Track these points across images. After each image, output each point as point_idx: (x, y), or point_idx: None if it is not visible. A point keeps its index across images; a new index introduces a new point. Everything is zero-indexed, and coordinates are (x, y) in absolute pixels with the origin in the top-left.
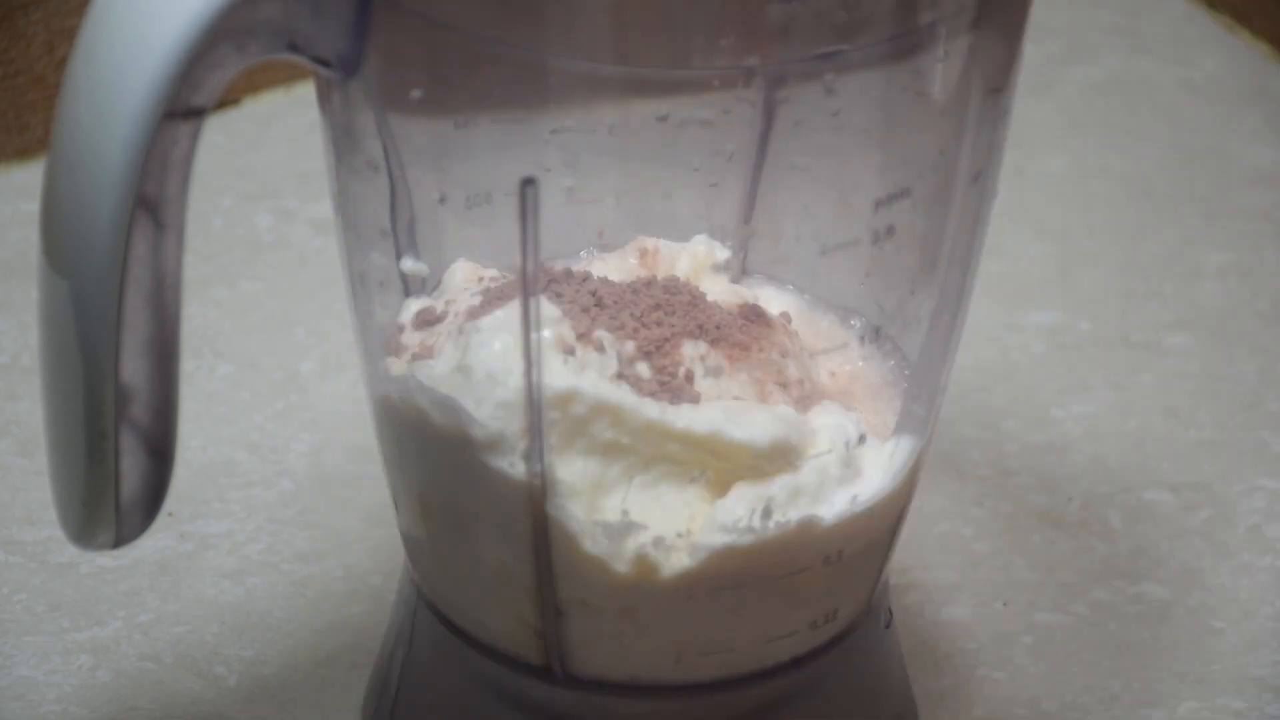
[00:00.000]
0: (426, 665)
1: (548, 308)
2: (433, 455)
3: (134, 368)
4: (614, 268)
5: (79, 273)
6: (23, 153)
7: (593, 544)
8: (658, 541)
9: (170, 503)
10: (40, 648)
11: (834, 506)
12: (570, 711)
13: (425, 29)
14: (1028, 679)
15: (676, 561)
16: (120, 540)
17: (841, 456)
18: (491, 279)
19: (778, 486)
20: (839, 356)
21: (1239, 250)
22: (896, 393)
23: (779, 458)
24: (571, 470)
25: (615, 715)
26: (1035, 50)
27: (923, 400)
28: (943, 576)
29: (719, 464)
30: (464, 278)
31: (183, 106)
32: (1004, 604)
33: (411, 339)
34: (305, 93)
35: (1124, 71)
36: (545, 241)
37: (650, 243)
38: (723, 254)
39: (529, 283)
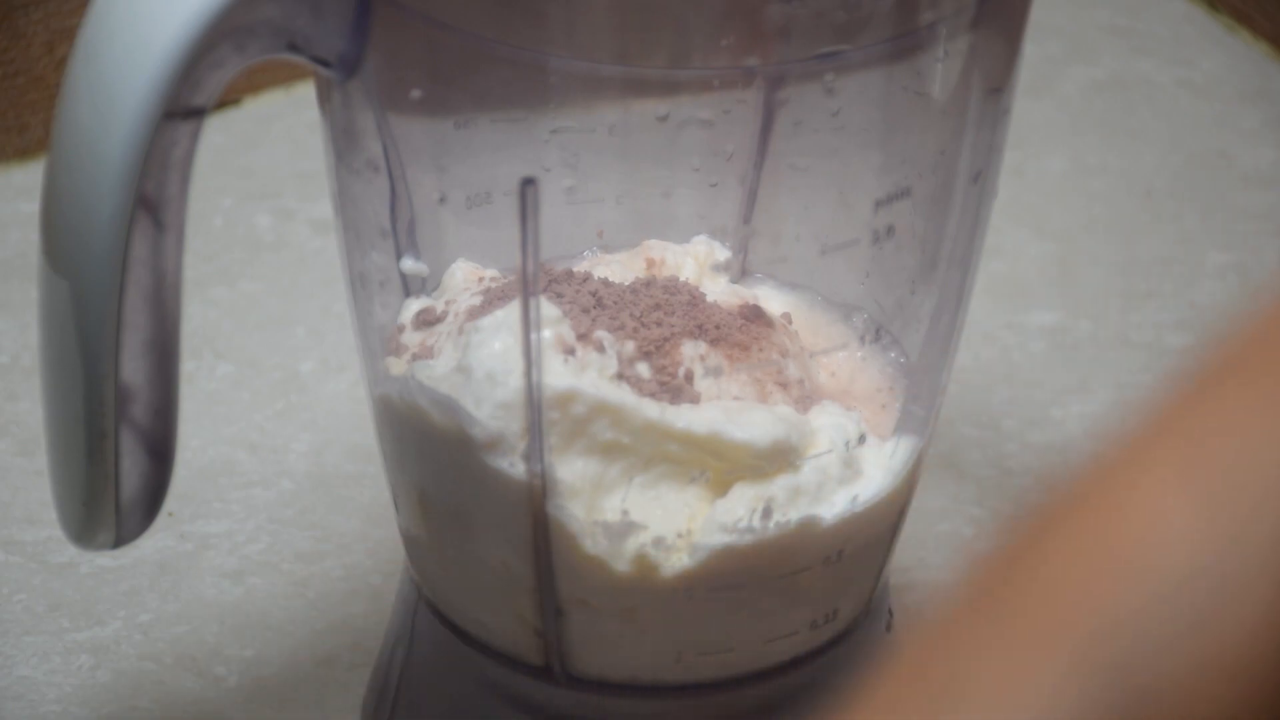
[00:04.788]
0: (426, 665)
1: (548, 308)
2: (433, 455)
3: (134, 368)
4: (618, 273)
5: (79, 273)
6: (23, 153)
7: (593, 544)
8: (658, 541)
9: (170, 503)
10: (40, 648)
11: (834, 506)
12: (570, 711)
13: (425, 29)
14: None
15: (676, 561)
16: (120, 540)
17: (841, 456)
18: (491, 279)
19: (778, 486)
20: (839, 356)
21: (1239, 250)
22: (897, 392)
23: (779, 458)
24: (571, 470)
25: (615, 715)
26: (1035, 50)
27: (923, 400)
28: (943, 576)
29: (719, 464)
30: (464, 278)
31: (183, 106)
32: None
33: (411, 339)
34: (305, 93)
35: (1124, 71)
36: (545, 242)
37: (656, 250)
38: (723, 254)
39: (529, 283)
